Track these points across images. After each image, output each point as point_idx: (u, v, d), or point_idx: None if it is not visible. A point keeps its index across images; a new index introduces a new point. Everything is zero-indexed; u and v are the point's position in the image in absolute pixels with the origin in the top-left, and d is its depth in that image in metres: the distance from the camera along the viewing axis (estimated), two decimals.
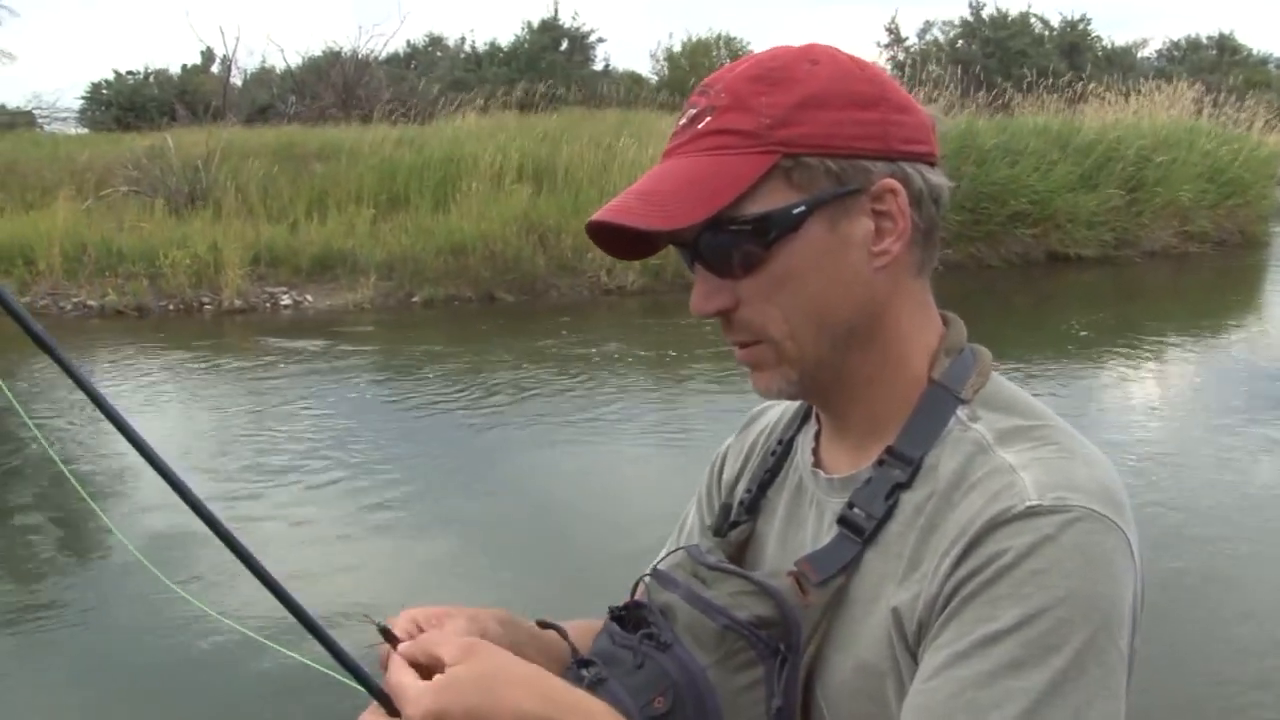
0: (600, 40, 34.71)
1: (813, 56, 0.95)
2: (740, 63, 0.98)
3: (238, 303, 12.76)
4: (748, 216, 0.92)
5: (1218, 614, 4.99)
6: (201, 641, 4.56)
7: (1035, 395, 1.00)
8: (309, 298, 13.08)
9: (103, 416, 0.83)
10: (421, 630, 0.96)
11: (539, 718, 0.81)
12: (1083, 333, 11.71)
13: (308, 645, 0.87)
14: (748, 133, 0.92)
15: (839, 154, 0.92)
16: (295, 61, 29.38)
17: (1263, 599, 5.19)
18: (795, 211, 0.91)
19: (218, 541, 0.85)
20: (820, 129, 0.92)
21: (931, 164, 0.98)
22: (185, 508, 0.84)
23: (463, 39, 34.44)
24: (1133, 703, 0.86)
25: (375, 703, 0.86)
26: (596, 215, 0.94)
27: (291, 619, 0.85)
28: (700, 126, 0.94)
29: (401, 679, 0.83)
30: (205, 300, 12.79)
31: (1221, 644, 4.71)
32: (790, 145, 0.91)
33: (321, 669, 0.88)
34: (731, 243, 0.93)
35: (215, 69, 29.57)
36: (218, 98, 24.53)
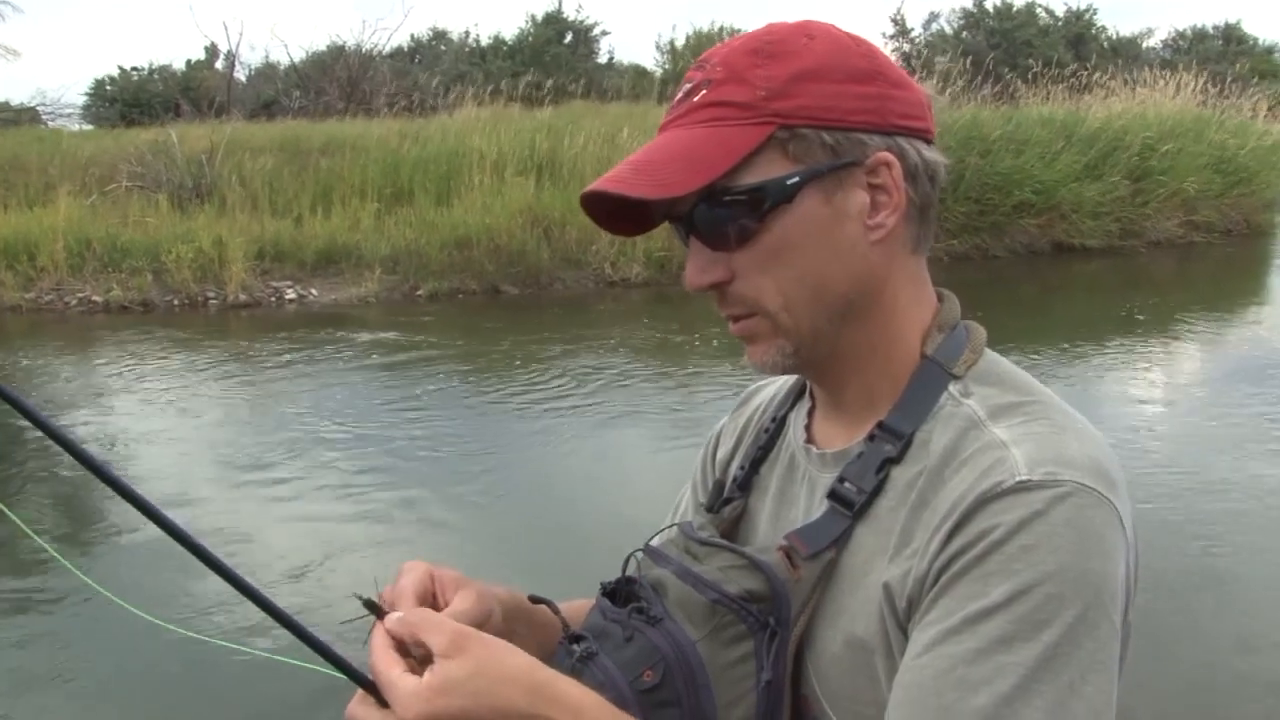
0: (604, 33, 34.68)
1: (809, 31, 0.95)
2: (737, 38, 0.97)
3: (242, 297, 12.77)
4: (742, 187, 0.91)
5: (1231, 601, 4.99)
6: (178, 656, 4.43)
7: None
8: (314, 292, 13.09)
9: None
10: (434, 593, 0.95)
11: (529, 715, 0.80)
12: (1136, 317, 11.69)
13: (291, 644, 0.86)
14: (743, 104, 0.91)
15: (835, 126, 0.92)
16: (299, 56, 29.39)
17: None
18: (790, 182, 0.91)
19: (185, 554, 0.82)
20: (816, 101, 0.91)
21: (928, 141, 0.97)
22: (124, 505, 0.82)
23: (466, 33, 34.43)
24: (1131, 674, 0.85)
25: (363, 691, 0.84)
26: (590, 186, 0.94)
27: (269, 621, 0.84)
28: (696, 99, 0.94)
29: (390, 674, 0.81)
30: (210, 295, 12.79)
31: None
32: (786, 117, 0.91)
33: (308, 665, 0.86)
34: (726, 215, 0.93)
35: (219, 64, 29.62)
36: (222, 93, 24.54)
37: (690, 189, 0.91)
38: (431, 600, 0.95)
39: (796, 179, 0.91)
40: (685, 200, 0.93)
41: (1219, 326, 11.81)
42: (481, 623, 0.93)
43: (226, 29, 39.19)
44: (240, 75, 28.77)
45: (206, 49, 31.31)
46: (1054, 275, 15.23)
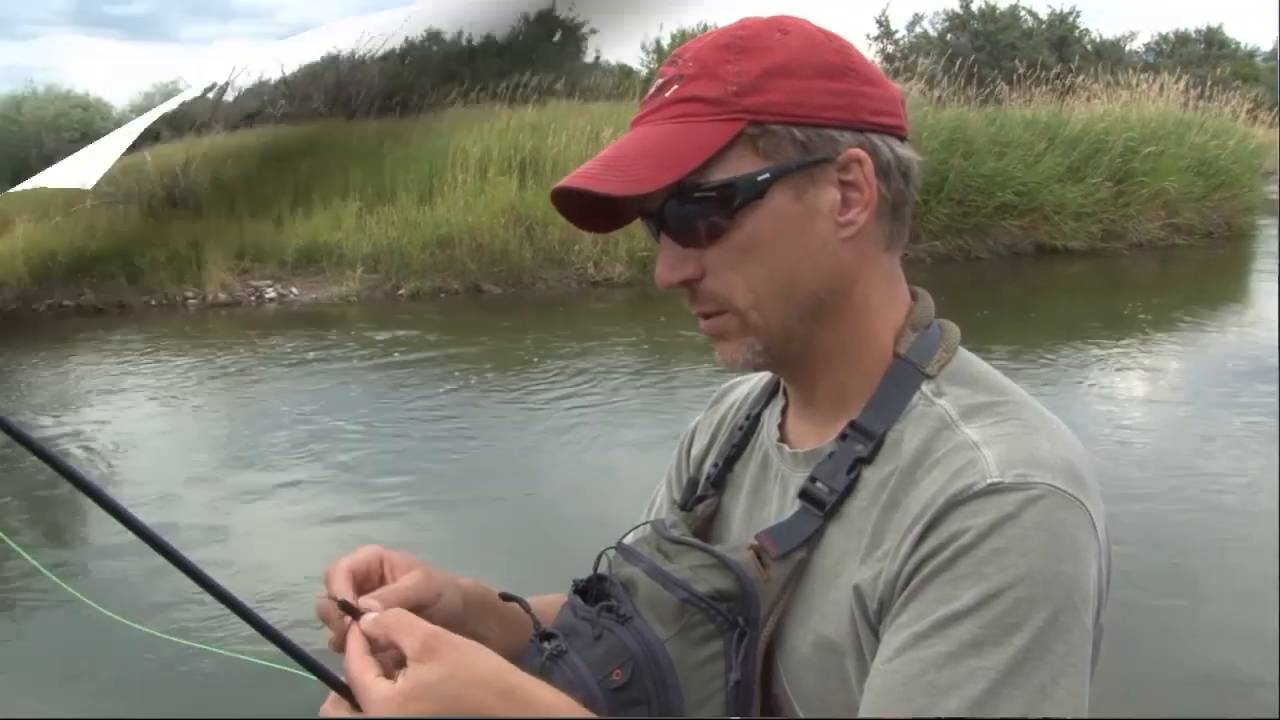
0: (593, 31, 34.53)
1: (782, 26, 0.95)
2: (710, 33, 0.97)
3: (222, 296, 12.68)
4: (712, 184, 0.91)
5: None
6: (150, 656, 4.40)
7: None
8: (294, 291, 13.03)
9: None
10: (381, 576, 0.95)
11: (501, 719, 0.80)
12: (1135, 318, 11.74)
13: (266, 645, 0.85)
14: (714, 100, 0.91)
15: (806, 123, 0.91)
16: (292, 70, 28.74)
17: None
18: (760, 179, 0.91)
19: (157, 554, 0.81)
20: (787, 97, 0.91)
21: (901, 138, 0.97)
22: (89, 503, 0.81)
23: (460, 32, 34.19)
24: (1105, 676, 0.85)
25: (335, 693, 0.84)
26: (561, 182, 0.93)
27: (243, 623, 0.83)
28: (668, 94, 0.94)
29: (364, 679, 0.80)
30: (189, 295, 12.68)
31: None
32: (757, 113, 0.91)
33: (279, 666, 0.85)
34: (696, 211, 0.92)
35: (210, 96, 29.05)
36: (205, 115, 23.96)
37: (659, 185, 0.90)
38: (376, 581, 0.95)
39: (767, 175, 0.91)
40: (655, 196, 0.92)
41: (1208, 327, 11.84)
42: (429, 604, 0.93)
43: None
44: (229, 97, 28.26)
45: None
46: (1037, 277, 15.28)
